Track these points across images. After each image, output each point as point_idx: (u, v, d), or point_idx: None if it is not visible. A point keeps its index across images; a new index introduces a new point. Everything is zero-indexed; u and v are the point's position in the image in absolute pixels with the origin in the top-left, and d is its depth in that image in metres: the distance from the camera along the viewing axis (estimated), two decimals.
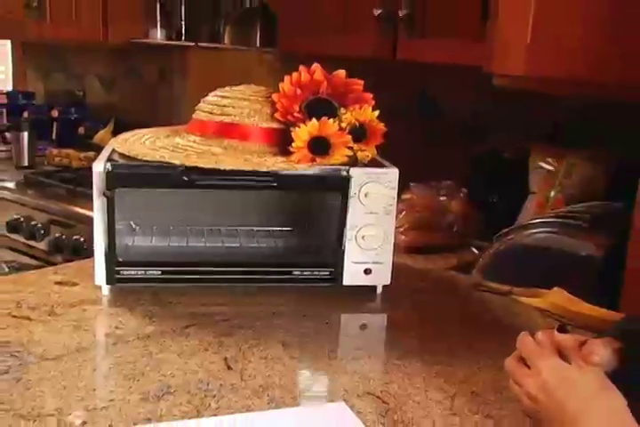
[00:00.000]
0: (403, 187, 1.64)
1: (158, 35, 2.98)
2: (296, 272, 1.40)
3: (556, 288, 1.41)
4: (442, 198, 2.00)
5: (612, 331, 1.07)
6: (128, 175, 1.32)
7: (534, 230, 1.57)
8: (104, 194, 1.29)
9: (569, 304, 1.37)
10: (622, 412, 0.89)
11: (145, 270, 1.36)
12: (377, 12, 2.03)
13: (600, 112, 1.84)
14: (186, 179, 1.29)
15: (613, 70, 1.41)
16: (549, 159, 1.85)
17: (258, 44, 2.75)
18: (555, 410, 0.93)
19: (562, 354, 0.98)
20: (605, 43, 1.44)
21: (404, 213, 1.89)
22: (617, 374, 0.97)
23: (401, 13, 1.98)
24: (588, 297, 1.38)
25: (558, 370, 0.95)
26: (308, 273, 1.40)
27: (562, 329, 1.03)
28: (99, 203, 1.31)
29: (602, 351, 0.98)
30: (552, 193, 1.82)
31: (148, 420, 0.96)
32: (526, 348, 1.01)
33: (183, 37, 2.95)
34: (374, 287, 1.43)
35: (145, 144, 1.37)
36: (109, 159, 1.33)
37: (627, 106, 1.36)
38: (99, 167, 1.30)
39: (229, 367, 1.12)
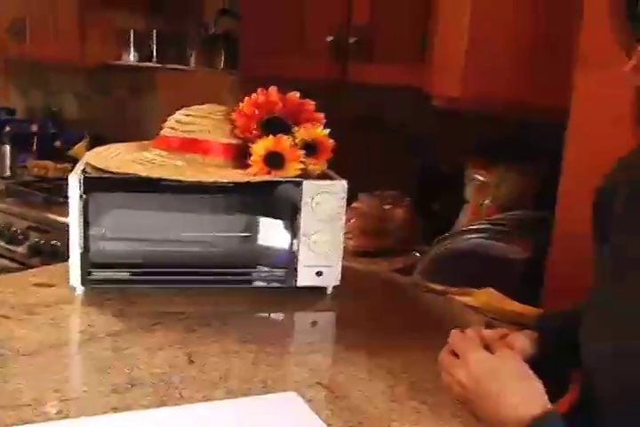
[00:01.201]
0: (351, 196, 1.65)
1: (131, 57, 2.98)
2: (253, 275, 1.42)
3: (486, 288, 1.44)
4: (387, 207, 2.01)
5: (531, 325, 1.10)
6: (100, 182, 1.32)
7: (468, 236, 1.59)
8: (79, 199, 1.30)
9: (498, 302, 1.39)
10: (538, 394, 0.92)
11: (115, 273, 1.37)
12: (329, 38, 2.05)
13: (528, 129, 1.87)
14: (152, 186, 1.30)
15: (537, 94, 1.45)
16: (482, 171, 1.87)
17: (221, 67, 2.76)
18: (481, 395, 0.95)
19: (488, 347, 1.01)
20: (531, 69, 1.47)
21: (352, 220, 1.90)
22: (535, 361, 1.00)
23: (351, 40, 2.01)
24: (514, 296, 1.40)
25: (484, 360, 0.97)
26: (264, 275, 1.42)
27: (488, 325, 1.06)
28: (75, 210, 1.31)
29: (521, 342, 1.02)
30: (485, 202, 1.84)
31: (117, 409, 0.96)
32: (457, 342, 1.03)
33: (153, 60, 2.95)
34: (325, 288, 1.44)
35: (115, 158, 1.38)
36: (83, 171, 1.34)
37: (551, 124, 1.39)
38: (74, 178, 1.30)
39: (191, 361, 1.12)
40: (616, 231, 0.95)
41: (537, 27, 1.46)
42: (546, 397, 0.92)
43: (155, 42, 2.96)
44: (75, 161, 1.46)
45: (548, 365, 1.00)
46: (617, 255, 0.94)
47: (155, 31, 2.94)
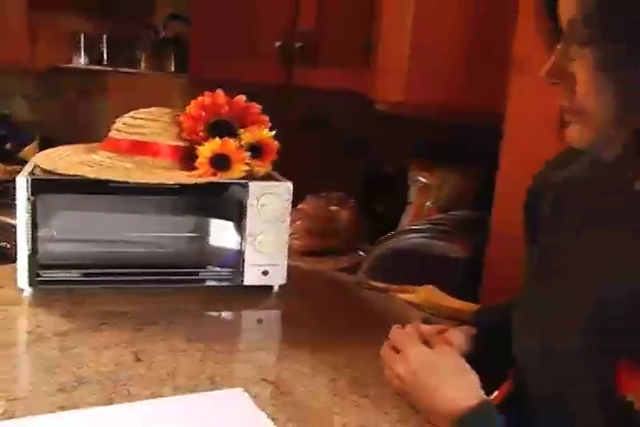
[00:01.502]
0: (298, 198, 1.66)
1: (81, 60, 2.96)
2: (201, 274, 1.41)
3: (426, 285, 1.46)
4: (333, 208, 2.03)
5: (469, 320, 1.13)
6: (48, 184, 1.31)
7: (410, 236, 1.61)
8: (27, 201, 1.28)
9: (438, 299, 1.41)
10: (474, 387, 0.94)
11: (63, 273, 1.35)
12: (277, 44, 2.06)
13: (469, 133, 1.90)
14: (100, 187, 1.29)
15: (475, 99, 1.47)
16: (425, 174, 1.89)
17: (171, 70, 2.75)
18: (419, 388, 0.97)
19: (426, 342, 1.03)
20: (470, 75, 1.50)
21: (299, 221, 1.92)
22: (471, 355, 1.02)
23: (297, 45, 2.02)
24: (453, 292, 1.42)
25: (422, 355, 0.99)
26: (212, 275, 1.42)
27: (426, 321, 1.08)
28: (22, 211, 1.29)
29: (458, 337, 1.03)
30: (427, 203, 1.87)
31: (64, 408, 0.95)
32: (397, 337, 1.05)
33: (104, 63, 2.93)
34: (271, 287, 1.44)
35: (64, 159, 1.36)
36: (31, 172, 1.33)
37: (491, 128, 1.41)
38: (22, 179, 1.28)
39: (139, 360, 1.12)
40: (543, 232, 0.97)
41: (477, 33, 1.48)
42: (481, 390, 0.94)
43: (105, 45, 2.95)
44: (25, 163, 1.44)
45: (484, 359, 1.02)
46: (543, 255, 0.96)
47: (105, 34, 2.92)
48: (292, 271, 1.44)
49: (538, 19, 0.82)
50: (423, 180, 1.89)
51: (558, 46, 0.77)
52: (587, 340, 0.82)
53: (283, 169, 1.44)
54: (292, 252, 1.49)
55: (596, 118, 0.74)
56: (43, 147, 2.24)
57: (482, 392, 0.93)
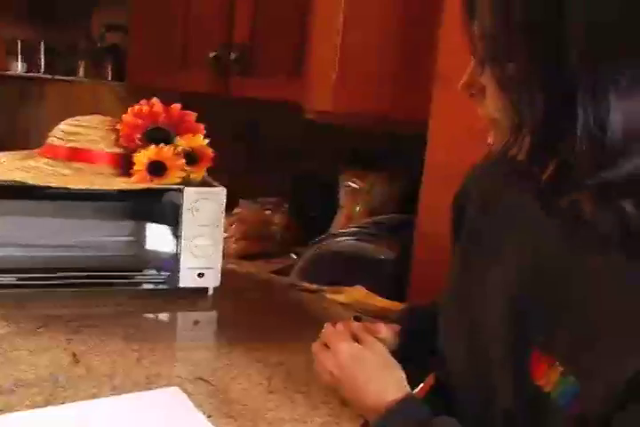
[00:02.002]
0: (233, 203, 1.66)
1: (19, 68, 2.91)
2: (138, 277, 1.41)
3: (356, 286, 1.47)
4: (267, 212, 2.03)
5: (395, 318, 1.14)
6: None
7: (341, 239, 1.62)
8: None
9: (367, 299, 1.42)
10: (400, 381, 0.96)
11: (1, 278, 1.33)
12: (212, 54, 2.06)
13: (395, 140, 1.93)
14: (37, 193, 1.28)
15: (399, 109, 1.49)
16: (355, 179, 1.91)
17: (109, 78, 2.72)
18: (349, 383, 0.98)
19: (356, 339, 1.04)
20: (395, 87, 1.52)
21: (234, 225, 1.91)
22: (397, 351, 1.04)
23: (232, 56, 2.02)
24: (382, 292, 1.44)
25: (351, 351, 1.00)
26: (149, 277, 1.41)
27: (356, 319, 1.09)
28: None
29: (386, 334, 1.05)
30: (357, 207, 1.88)
31: (1, 411, 0.94)
32: (328, 334, 1.06)
33: (42, 70, 2.88)
34: (206, 289, 1.44)
35: (1, 166, 1.34)
36: None
37: (415, 136, 1.44)
38: None
39: (77, 361, 1.11)
40: (468, 232, 1.00)
41: (403, 47, 1.50)
42: (406, 383, 0.96)
43: (43, 53, 2.90)
44: None
45: (410, 353, 1.05)
46: (467, 252, 0.99)
47: (42, 42, 2.87)
48: (226, 274, 1.44)
49: (464, 31, 0.84)
50: (353, 185, 1.90)
51: (472, 62, 0.80)
52: (505, 330, 0.84)
53: (217, 175, 1.44)
54: (227, 255, 1.49)
55: (503, 126, 0.77)
56: None
57: (406, 386, 0.95)
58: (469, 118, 0.87)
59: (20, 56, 2.93)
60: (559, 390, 0.77)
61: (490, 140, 0.83)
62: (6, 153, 1.43)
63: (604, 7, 0.67)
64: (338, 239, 1.63)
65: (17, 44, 2.89)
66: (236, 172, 1.54)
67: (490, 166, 0.97)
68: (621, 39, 0.67)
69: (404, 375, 0.97)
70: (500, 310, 0.86)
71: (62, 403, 0.97)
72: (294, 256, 1.89)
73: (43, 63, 2.91)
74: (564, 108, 0.68)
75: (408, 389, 0.94)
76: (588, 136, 0.67)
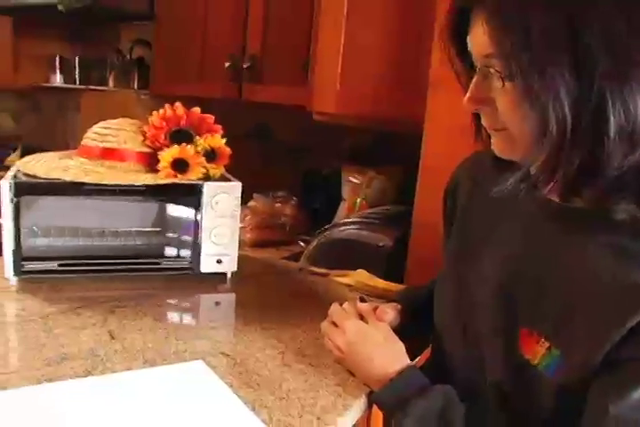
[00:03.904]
0: (247, 196, 1.65)
1: (58, 79, 2.92)
2: (163, 263, 1.39)
3: (359, 270, 1.46)
4: (277, 205, 2.02)
5: (396, 298, 1.13)
6: (30, 186, 1.28)
7: (344, 227, 1.61)
8: (11, 201, 1.25)
9: (369, 281, 1.41)
10: (401, 354, 0.95)
11: (44, 264, 1.32)
12: (227, 64, 2.05)
13: (392, 139, 1.92)
14: (75, 189, 1.27)
15: (396, 111, 1.48)
16: (355, 174, 1.90)
17: (135, 87, 2.72)
18: (356, 356, 0.97)
19: (362, 317, 1.03)
20: (392, 92, 1.50)
21: (249, 216, 1.90)
22: (398, 327, 1.03)
23: (245, 66, 2.01)
24: (382, 275, 1.43)
25: (358, 328, 0.99)
26: (173, 263, 1.40)
27: (362, 300, 1.08)
28: (7, 211, 1.26)
29: (388, 312, 1.04)
30: (358, 200, 1.87)
31: (51, 379, 0.94)
32: (336, 313, 1.05)
33: (77, 82, 2.89)
34: (225, 274, 1.42)
35: (43, 165, 1.33)
36: (15, 176, 1.29)
37: (410, 135, 1.42)
38: (6, 182, 1.25)
39: (113, 338, 1.10)
40: (461, 218, 0.98)
41: (400, 54, 1.49)
42: (407, 356, 0.95)
43: (78, 66, 2.91)
44: (9, 170, 1.40)
45: (409, 329, 1.03)
46: (461, 239, 0.97)
47: (77, 57, 2.88)
48: (242, 260, 1.43)
49: (446, 50, 0.82)
50: (354, 180, 1.90)
51: (475, 78, 0.76)
52: (498, 307, 0.83)
53: (234, 172, 1.42)
54: (241, 243, 1.47)
55: (516, 135, 0.74)
56: (24, 155, 2.18)
57: (407, 358, 0.95)
58: (460, 120, 0.86)
59: (58, 70, 2.95)
60: (545, 362, 0.77)
61: (494, 145, 0.80)
62: (47, 154, 1.42)
63: (618, 17, 0.65)
64: (341, 228, 1.61)
65: (55, 59, 2.91)
66: (249, 168, 1.52)
67: (480, 157, 0.95)
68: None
69: (404, 349, 0.96)
70: (492, 291, 0.84)
71: (102, 374, 0.97)
72: (302, 244, 1.88)
73: (78, 75, 2.92)
74: (595, 114, 0.66)
75: (408, 361, 0.94)
76: (619, 134, 0.66)
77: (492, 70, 0.72)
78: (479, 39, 0.73)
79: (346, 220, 1.67)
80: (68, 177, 1.26)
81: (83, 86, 2.84)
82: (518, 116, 0.72)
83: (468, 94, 0.77)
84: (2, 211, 1.27)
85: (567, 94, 0.66)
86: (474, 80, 0.76)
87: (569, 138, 0.67)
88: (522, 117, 0.71)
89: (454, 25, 0.79)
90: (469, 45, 0.76)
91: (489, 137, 0.82)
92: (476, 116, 0.83)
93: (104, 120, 1.42)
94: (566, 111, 0.66)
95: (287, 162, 2.28)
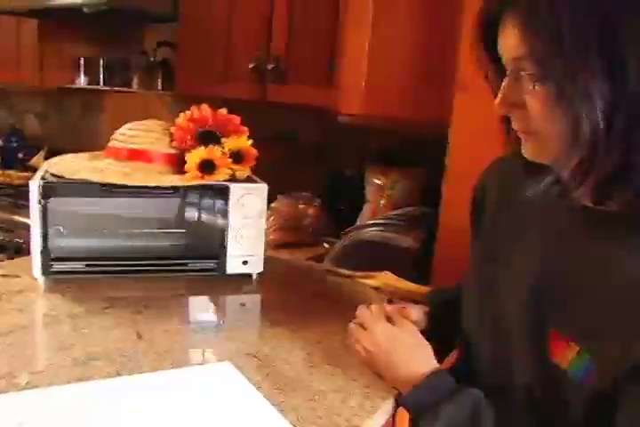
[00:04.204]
0: (272, 197, 1.65)
1: (82, 81, 2.94)
2: (189, 264, 1.39)
3: (385, 271, 1.45)
4: (301, 206, 2.02)
5: (423, 300, 1.12)
6: (58, 188, 1.28)
7: (369, 229, 1.61)
8: (39, 202, 1.26)
9: (395, 283, 1.40)
10: (429, 357, 0.94)
11: (72, 265, 1.33)
12: (251, 65, 2.05)
13: (415, 142, 1.91)
14: (103, 190, 1.27)
15: (421, 113, 1.47)
16: (379, 176, 1.90)
17: (159, 89, 2.73)
18: (384, 359, 0.97)
19: (389, 319, 1.02)
20: (418, 92, 1.50)
21: (272, 217, 1.91)
22: (426, 329, 1.02)
23: (269, 67, 2.01)
24: (408, 277, 1.42)
25: (386, 330, 0.99)
26: (199, 265, 1.39)
27: (389, 302, 1.08)
28: (35, 212, 1.27)
29: (416, 315, 1.03)
30: (382, 201, 1.87)
31: (80, 379, 0.94)
32: (363, 315, 1.05)
33: (102, 83, 2.91)
34: (250, 275, 1.42)
35: (70, 166, 1.33)
36: (43, 178, 1.30)
37: (433, 137, 1.42)
38: (34, 183, 1.26)
39: (140, 338, 1.10)
40: (490, 223, 0.97)
41: (426, 56, 1.49)
42: (434, 359, 0.94)
43: (102, 67, 2.93)
44: (34, 170, 1.41)
45: (437, 332, 1.03)
46: (489, 243, 0.96)
47: (102, 59, 2.90)
48: (266, 261, 1.43)
49: (476, 53, 0.81)
50: (378, 181, 1.89)
51: (505, 81, 0.76)
52: (527, 309, 0.82)
53: (259, 173, 1.43)
54: (266, 244, 1.47)
55: (547, 139, 0.74)
56: (49, 156, 2.21)
57: (434, 361, 0.94)
58: (487, 122, 0.85)
59: (82, 71, 2.97)
60: (575, 367, 0.76)
61: (525, 149, 0.79)
62: (74, 155, 1.43)
63: None
64: (365, 230, 1.61)
65: (80, 60, 2.93)
66: (273, 170, 1.52)
67: (509, 160, 0.94)
68: None
69: (432, 352, 0.95)
70: (522, 296, 0.83)
71: (130, 374, 0.97)
72: (326, 245, 1.88)
73: (102, 77, 2.94)
74: (629, 117, 0.65)
75: (436, 364, 0.93)
76: None
77: (523, 73, 0.72)
78: (510, 41, 0.72)
79: (370, 221, 1.67)
80: (95, 178, 1.27)
81: (107, 88, 2.86)
82: (550, 120, 0.71)
83: (498, 97, 0.76)
84: (30, 211, 1.28)
85: (601, 98, 0.65)
86: (504, 83, 0.75)
87: (602, 142, 0.67)
88: (554, 121, 0.70)
89: (484, 27, 0.78)
90: (499, 48, 0.75)
91: (518, 141, 0.81)
92: (505, 120, 0.82)
93: (128, 121, 1.42)
94: (600, 115, 0.66)
95: (311, 163, 2.28)
